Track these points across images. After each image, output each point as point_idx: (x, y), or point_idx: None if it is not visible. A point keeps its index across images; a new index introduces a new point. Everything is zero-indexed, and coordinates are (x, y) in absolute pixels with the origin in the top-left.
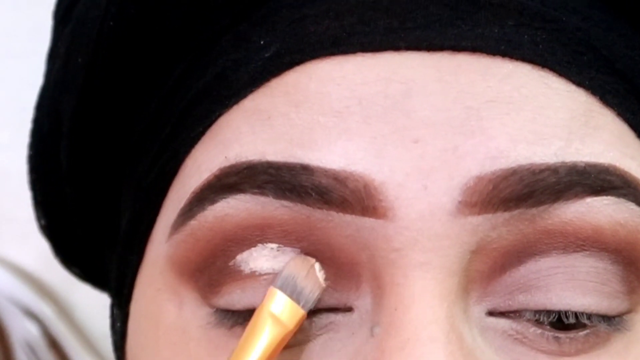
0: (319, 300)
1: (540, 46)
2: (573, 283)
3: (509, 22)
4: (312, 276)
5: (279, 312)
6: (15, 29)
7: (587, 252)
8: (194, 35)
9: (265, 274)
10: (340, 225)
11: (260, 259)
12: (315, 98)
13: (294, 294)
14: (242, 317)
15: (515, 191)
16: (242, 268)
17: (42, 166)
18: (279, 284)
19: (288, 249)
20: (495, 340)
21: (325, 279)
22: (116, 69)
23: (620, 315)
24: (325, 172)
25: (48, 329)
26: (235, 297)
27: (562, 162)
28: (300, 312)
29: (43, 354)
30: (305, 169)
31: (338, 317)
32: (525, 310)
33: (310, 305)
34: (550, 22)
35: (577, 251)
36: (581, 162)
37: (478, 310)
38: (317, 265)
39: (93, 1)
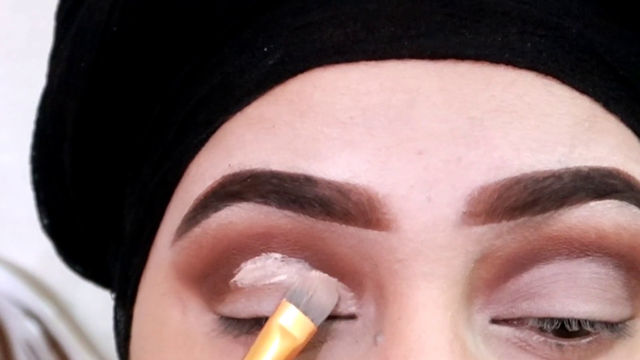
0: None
1: (544, 54)
2: (576, 290)
3: (512, 30)
4: (325, 290)
5: (289, 325)
6: (15, 29)
7: (590, 258)
8: (198, 40)
9: (270, 284)
10: (343, 236)
11: (265, 268)
12: (320, 108)
13: (305, 308)
14: (247, 326)
15: (520, 199)
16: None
17: (45, 167)
18: (288, 297)
19: (292, 259)
20: (498, 347)
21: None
22: (119, 74)
23: (623, 322)
24: (329, 184)
25: (48, 329)
26: (239, 306)
27: (566, 168)
28: (310, 326)
29: (43, 354)
30: (309, 180)
31: (341, 325)
32: (529, 317)
33: (321, 319)
34: (554, 29)
35: (581, 256)
36: (585, 167)
37: (481, 318)
38: (331, 279)
39: (97, 5)
